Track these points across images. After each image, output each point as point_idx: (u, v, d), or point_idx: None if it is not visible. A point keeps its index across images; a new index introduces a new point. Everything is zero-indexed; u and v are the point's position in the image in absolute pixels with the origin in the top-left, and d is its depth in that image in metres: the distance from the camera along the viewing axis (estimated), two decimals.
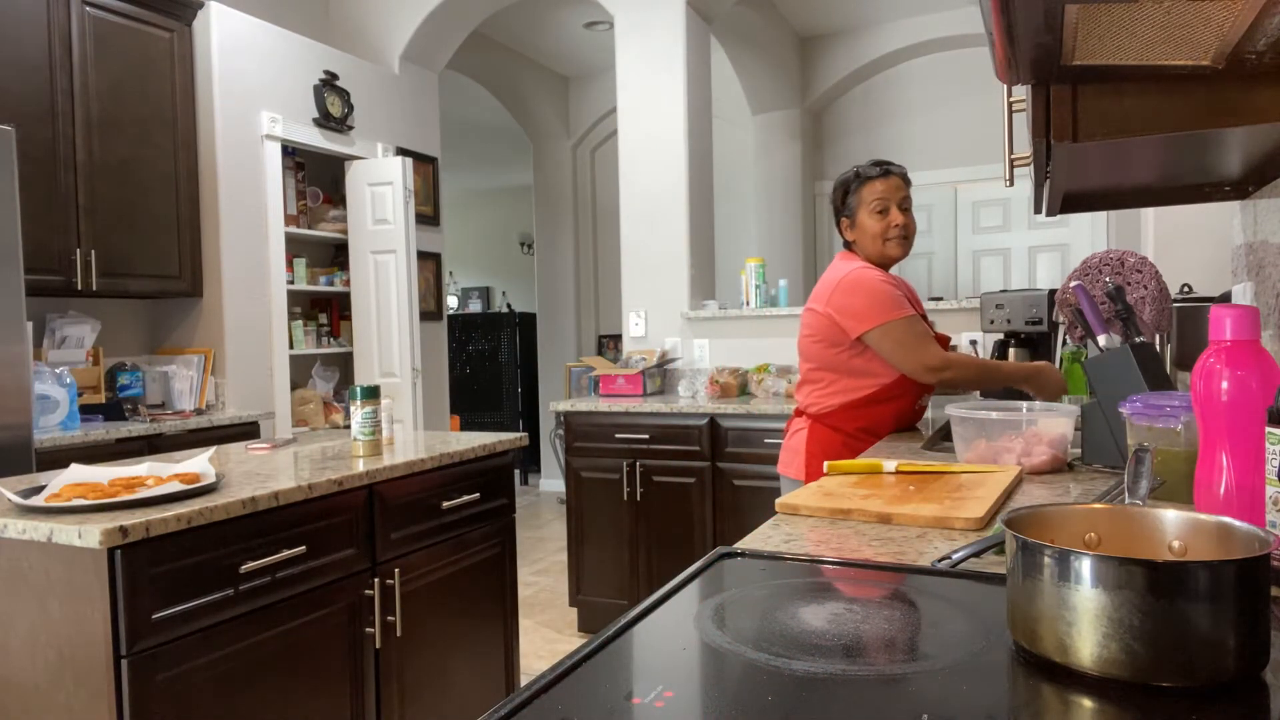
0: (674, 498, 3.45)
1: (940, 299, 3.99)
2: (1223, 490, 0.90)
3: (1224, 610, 0.59)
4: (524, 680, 2.72)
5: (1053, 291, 2.93)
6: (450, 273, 9.83)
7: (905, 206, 2.16)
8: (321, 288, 4.50)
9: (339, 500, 1.90)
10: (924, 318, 2.20)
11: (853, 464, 1.51)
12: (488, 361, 7.90)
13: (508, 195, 9.83)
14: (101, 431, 3.02)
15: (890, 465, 1.49)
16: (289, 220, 4.23)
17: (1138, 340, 1.49)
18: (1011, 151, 1.31)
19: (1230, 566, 0.60)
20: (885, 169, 2.15)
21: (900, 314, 2.07)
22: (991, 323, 3.15)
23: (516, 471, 4.15)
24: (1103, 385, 1.49)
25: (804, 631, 0.74)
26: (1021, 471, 1.46)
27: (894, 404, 2.18)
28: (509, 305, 9.05)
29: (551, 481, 7.01)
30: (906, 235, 2.16)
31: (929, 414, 2.81)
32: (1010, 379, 2.11)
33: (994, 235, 5.90)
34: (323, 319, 4.61)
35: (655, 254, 4.19)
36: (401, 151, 4.69)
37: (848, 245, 2.27)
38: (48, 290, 3.15)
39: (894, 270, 2.38)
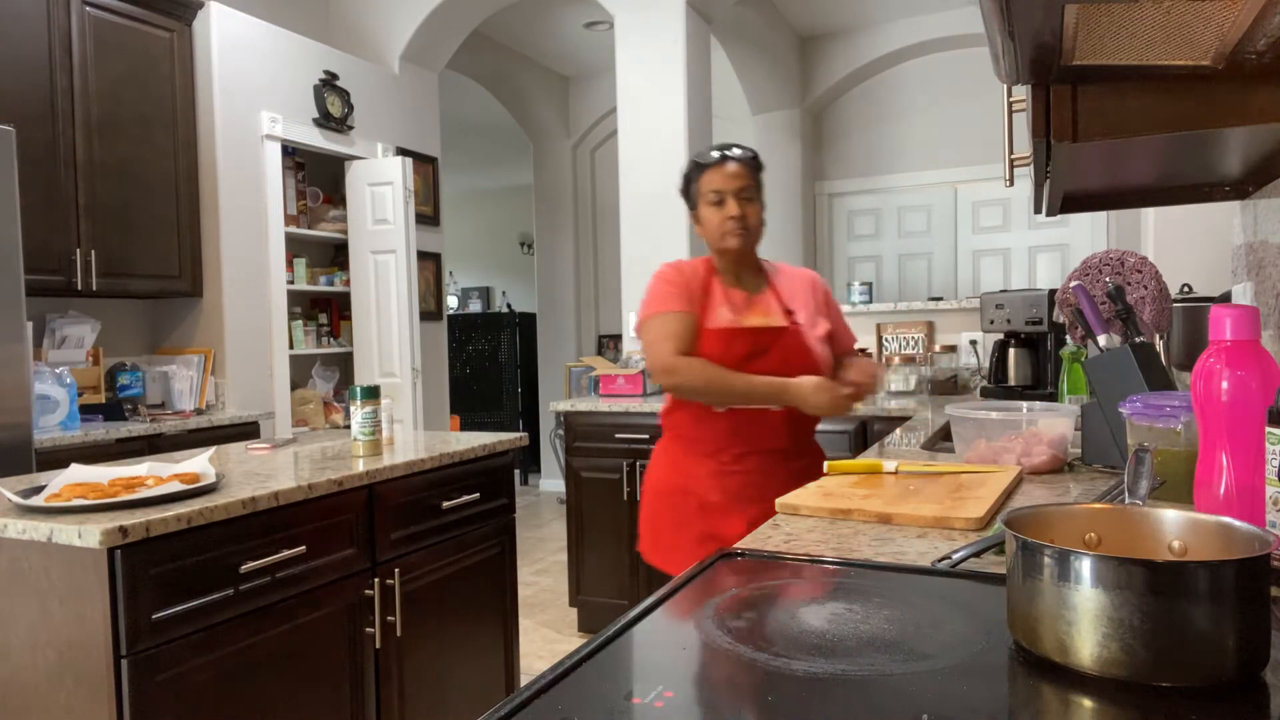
0: None
1: (940, 299, 3.99)
2: (1223, 490, 0.90)
3: (1224, 610, 0.59)
4: (524, 680, 2.72)
5: (1053, 291, 2.93)
6: (450, 273, 9.82)
7: (746, 196, 1.90)
8: (321, 288, 4.50)
9: (339, 500, 1.90)
10: (797, 322, 1.92)
11: (853, 464, 1.51)
12: (488, 361, 7.90)
13: (508, 195, 9.83)
14: (101, 431, 3.01)
15: (890, 465, 1.49)
16: (289, 220, 4.23)
17: (1138, 340, 1.49)
18: (1011, 151, 1.31)
19: (1230, 566, 0.60)
20: (724, 154, 1.91)
21: (656, 310, 1.87)
22: (991, 323, 3.15)
23: (516, 471, 4.15)
24: (1103, 385, 1.49)
25: (804, 631, 0.74)
26: (1021, 471, 1.46)
27: (737, 414, 1.88)
28: (509, 305, 9.04)
29: (551, 481, 7.01)
30: (746, 228, 1.89)
31: (928, 414, 2.81)
32: (749, 397, 1.80)
33: (994, 235, 5.90)
34: (323, 319, 4.61)
35: (655, 254, 4.18)
36: (401, 151, 4.69)
37: None
38: (48, 290, 3.15)
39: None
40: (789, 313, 1.93)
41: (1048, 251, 5.71)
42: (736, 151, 1.91)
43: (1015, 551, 0.67)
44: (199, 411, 3.63)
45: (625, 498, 3.53)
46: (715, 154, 1.91)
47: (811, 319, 1.94)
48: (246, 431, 3.54)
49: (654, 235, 4.19)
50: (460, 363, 7.96)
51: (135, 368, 3.62)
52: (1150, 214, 2.83)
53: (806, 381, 1.75)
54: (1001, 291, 3.17)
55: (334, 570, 1.88)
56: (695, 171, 1.94)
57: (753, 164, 1.93)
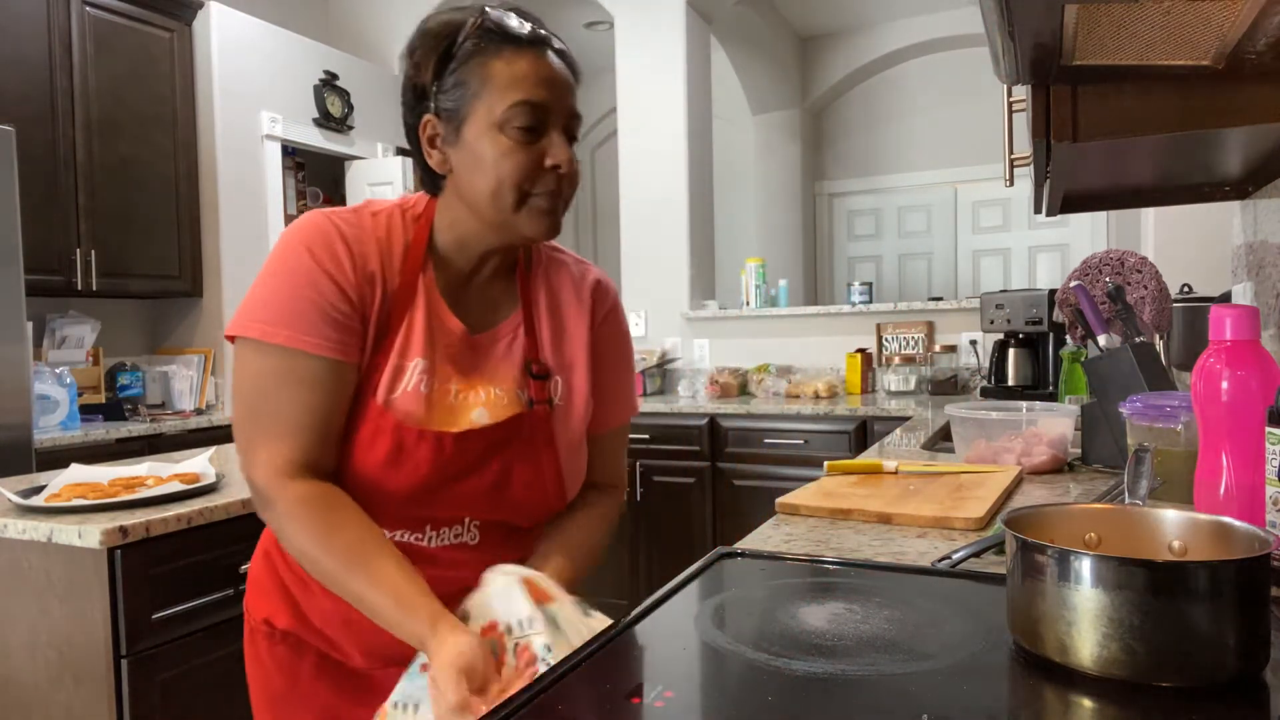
0: (674, 498, 3.45)
1: (940, 299, 3.99)
2: (1223, 490, 0.90)
3: (1224, 610, 0.59)
4: None
5: (1053, 291, 2.93)
6: None
7: (574, 132, 0.94)
8: None
9: None
10: (547, 399, 1.01)
11: (853, 464, 1.51)
12: None
13: None
14: (101, 431, 3.01)
15: (890, 465, 1.49)
16: (289, 220, 4.23)
17: (1138, 340, 1.49)
18: (1011, 151, 1.31)
19: (1230, 566, 0.60)
20: (536, 33, 0.91)
21: (269, 331, 0.88)
22: (991, 323, 3.15)
23: None
24: (1103, 385, 1.49)
25: (804, 631, 0.74)
26: (1021, 471, 1.46)
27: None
28: None
29: None
30: (564, 193, 0.93)
31: (928, 414, 2.80)
32: (374, 613, 0.86)
33: (994, 235, 5.90)
34: None
35: (655, 254, 4.18)
36: (401, 151, 4.69)
37: (433, 186, 0.98)
38: (48, 290, 3.15)
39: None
40: (537, 376, 1.00)
41: (1048, 251, 5.71)
42: (556, 43, 0.94)
43: (1015, 551, 0.67)
44: (199, 411, 3.63)
45: (625, 497, 3.52)
46: (525, 26, 0.91)
47: (582, 380, 1.04)
48: None
49: (655, 236, 4.19)
50: None
51: (135, 368, 3.62)
52: (1150, 214, 2.83)
53: (455, 648, 0.80)
54: (1001, 291, 3.17)
55: None
56: (478, 39, 0.89)
57: (576, 76, 0.96)
